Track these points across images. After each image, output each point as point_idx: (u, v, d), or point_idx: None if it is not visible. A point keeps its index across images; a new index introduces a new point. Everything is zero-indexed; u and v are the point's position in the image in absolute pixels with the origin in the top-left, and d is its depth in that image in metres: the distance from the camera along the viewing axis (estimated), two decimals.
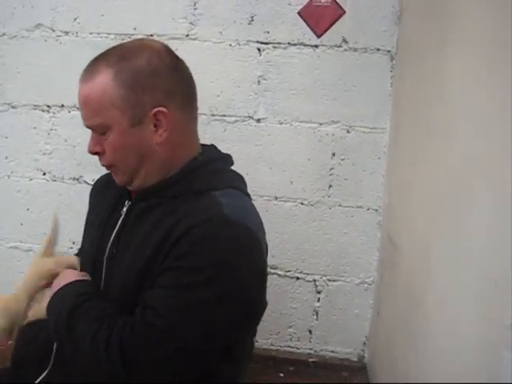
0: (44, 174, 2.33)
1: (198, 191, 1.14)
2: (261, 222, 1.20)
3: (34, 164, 2.33)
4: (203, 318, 1.05)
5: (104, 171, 1.37)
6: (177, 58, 1.19)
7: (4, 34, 2.28)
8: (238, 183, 1.24)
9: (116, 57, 1.12)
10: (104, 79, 1.10)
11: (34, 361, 1.22)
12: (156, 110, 1.11)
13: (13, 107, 2.31)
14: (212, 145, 1.29)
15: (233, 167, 1.29)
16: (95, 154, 1.17)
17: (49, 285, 1.21)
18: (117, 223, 1.21)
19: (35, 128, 2.31)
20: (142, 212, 1.17)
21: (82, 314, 1.09)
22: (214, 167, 1.21)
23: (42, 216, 2.34)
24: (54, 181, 2.32)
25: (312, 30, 1.92)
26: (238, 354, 1.22)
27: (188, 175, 1.17)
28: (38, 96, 2.29)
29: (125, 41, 2.18)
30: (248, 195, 1.26)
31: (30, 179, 2.34)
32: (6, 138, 2.33)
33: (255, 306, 1.16)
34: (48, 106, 2.29)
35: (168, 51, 1.18)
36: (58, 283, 1.17)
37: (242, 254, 1.09)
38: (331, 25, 1.98)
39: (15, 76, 2.30)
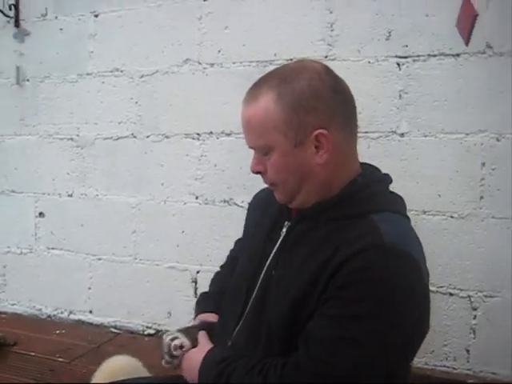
0: (196, 197, 2.48)
1: (355, 215, 1.13)
2: (421, 248, 1.15)
3: (187, 189, 2.49)
4: (366, 349, 1.03)
5: (254, 192, 1.44)
6: (336, 77, 1.18)
7: (157, 71, 2.49)
8: (396, 206, 1.21)
9: (277, 79, 1.14)
10: (266, 102, 1.12)
11: None
12: (317, 132, 1.11)
13: (166, 137, 2.50)
14: (372, 165, 1.27)
15: None
16: (257, 173, 1.21)
17: None
18: (276, 243, 1.23)
19: (187, 155, 2.48)
20: (300, 235, 1.18)
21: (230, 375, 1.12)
22: (373, 190, 1.18)
23: (196, 238, 2.49)
24: (206, 204, 2.46)
25: (463, 38, 1.80)
26: (397, 380, 1.17)
27: (347, 198, 1.15)
28: (189, 125, 2.46)
29: (266, 68, 2.29)
30: (407, 218, 1.22)
31: (184, 203, 2.50)
32: (162, 165, 2.53)
33: (416, 334, 1.12)
34: (198, 134, 2.44)
35: (328, 71, 1.16)
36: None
37: (403, 284, 1.04)
38: (471, 30, 1.88)
39: (167, 108, 2.50)
